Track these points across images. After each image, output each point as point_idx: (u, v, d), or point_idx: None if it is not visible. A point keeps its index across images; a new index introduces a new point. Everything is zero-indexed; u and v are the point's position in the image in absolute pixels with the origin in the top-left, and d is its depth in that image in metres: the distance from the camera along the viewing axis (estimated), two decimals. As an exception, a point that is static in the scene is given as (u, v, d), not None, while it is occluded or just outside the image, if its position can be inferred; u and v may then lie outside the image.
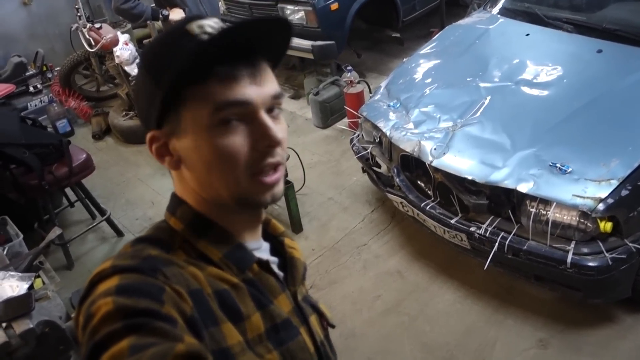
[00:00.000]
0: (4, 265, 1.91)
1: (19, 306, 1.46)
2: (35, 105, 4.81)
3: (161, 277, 0.63)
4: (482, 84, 2.72)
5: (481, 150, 2.36)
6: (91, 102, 5.14)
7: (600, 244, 2.06)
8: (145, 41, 3.98)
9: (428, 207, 2.51)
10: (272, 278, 0.78)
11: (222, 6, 4.19)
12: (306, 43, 4.25)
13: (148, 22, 3.61)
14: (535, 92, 2.58)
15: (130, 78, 4.08)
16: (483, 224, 2.31)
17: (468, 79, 2.80)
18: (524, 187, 2.15)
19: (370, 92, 4.07)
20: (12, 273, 1.75)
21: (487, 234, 2.27)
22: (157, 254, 0.68)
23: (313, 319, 0.83)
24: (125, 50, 3.96)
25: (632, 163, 2.06)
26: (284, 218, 3.19)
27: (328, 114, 4.27)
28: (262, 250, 0.80)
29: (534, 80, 2.64)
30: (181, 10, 3.39)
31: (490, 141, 2.38)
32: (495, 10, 3.36)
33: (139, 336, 0.55)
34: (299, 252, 0.86)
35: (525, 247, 2.18)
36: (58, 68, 5.00)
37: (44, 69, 5.06)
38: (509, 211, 2.26)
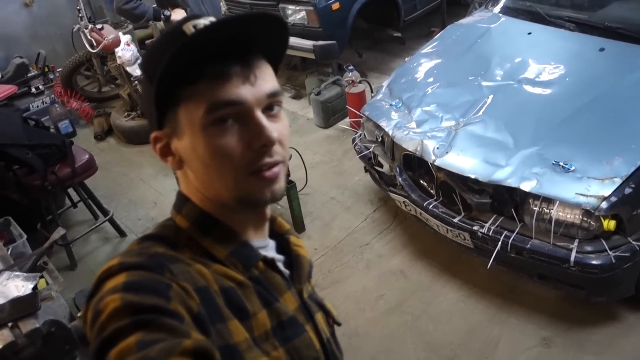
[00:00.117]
0: (8, 266, 1.91)
1: (25, 306, 1.47)
2: (37, 106, 4.83)
3: (168, 274, 0.63)
4: (484, 83, 2.72)
5: (484, 149, 2.36)
6: (93, 102, 5.15)
7: (604, 242, 2.06)
8: (148, 41, 3.98)
9: (431, 206, 2.51)
10: (278, 276, 0.78)
11: (223, 6, 4.19)
12: (307, 43, 4.25)
13: (150, 22, 3.62)
14: (537, 90, 2.58)
15: (132, 79, 4.09)
16: (486, 222, 2.31)
17: (470, 78, 2.80)
18: (527, 186, 2.14)
19: (372, 92, 4.07)
20: (17, 273, 1.75)
21: (490, 233, 2.27)
22: (163, 252, 0.68)
23: (319, 317, 0.83)
24: (127, 51, 3.97)
25: (636, 161, 2.06)
26: (287, 218, 3.19)
27: (330, 114, 4.27)
28: (268, 248, 0.80)
29: (537, 79, 2.64)
30: (183, 11, 3.39)
31: (493, 140, 2.38)
32: (497, 9, 3.36)
33: (147, 332, 0.55)
34: (304, 249, 0.86)
35: (529, 245, 2.17)
36: (60, 69, 5.02)
37: (46, 70, 5.08)
38: (512, 210, 2.26)
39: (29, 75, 4.90)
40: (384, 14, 4.96)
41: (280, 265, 0.80)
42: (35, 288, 1.77)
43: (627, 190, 2.01)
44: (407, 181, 2.67)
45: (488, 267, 2.30)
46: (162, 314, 0.58)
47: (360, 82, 4.07)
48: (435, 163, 2.42)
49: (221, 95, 0.67)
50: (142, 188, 4.00)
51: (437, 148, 2.45)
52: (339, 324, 0.89)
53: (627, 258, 2.03)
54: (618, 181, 2.03)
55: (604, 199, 2.00)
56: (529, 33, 2.99)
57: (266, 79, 0.71)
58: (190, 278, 0.65)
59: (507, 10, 3.29)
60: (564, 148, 2.22)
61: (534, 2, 3.19)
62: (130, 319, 0.56)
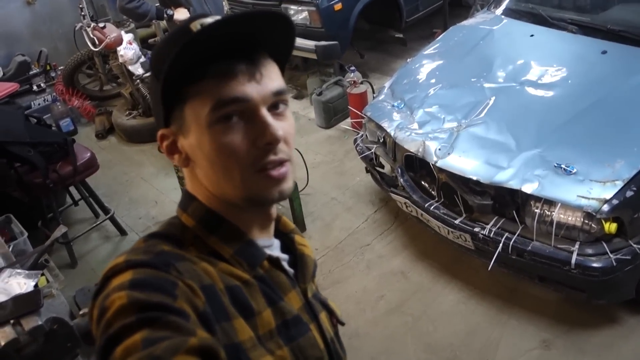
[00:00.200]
0: (10, 263, 1.91)
1: (28, 303, 1.47)
2: (39, 104, 4.82)
3: (174, 272, 0.64)
4: (486, 85, 2.73)
5: (486, 151, 2.36)
6: (94, 101, 5.15)
7: (605, 245, 2.07)
8: (150, 40, 3.99)
9: (432, 207, 2.51)
10: (283, 275, 0.78)
11: (226, 6, 4.20)
12: (309, 43, 4.25)
13: (153, 21, 3.62)
14: (540, 92, 2.58)
15: (134, 77, 4.09)
16: (487, 224, 2.31)
17: (472, 80, 2.80)
18: (528, 188, 2.15)
19: (374, 93, 4.07)
20: (19, 270, 1.75)
21: (492, 235, 2.27)
22: (169, 250, 0.69)
23: (323, 316, 0.83)
24: (129, 50, 3.98)
25: (637, 164, 2.07)
26: (287, 218, 3.19)
27: (331, 114, 4.27)
28: (273, 247, 0.80)
29: (539, 81, 2.64)
30: (186, 10, 3.40)
31: (495, 142, 2.38)
32: (499, 11, 3.36)
33: (152, 330, 0.55)
34: (309, 249, 0.86)
35: (530, 247, 2.18)
36: (62, 67, 5.01)
37: (48, 68, 5.08)
38: (514, 212, 2.26)
39: (31, 73, 4.90)
40: (386, 15, 4.96)
41: (285, 265, 0.80)
42: (36, 286, 1.77)
43: (629, 193, 2.02)
44: (408, 182, 2.68)
45: (489, 268, 2.31)
46: (168, 311, 0.58)
47: (362, 82, 4.08)
48: (437, 164, 2.43)
49: (227, 92, 0.67)
50: (143, 187, 4.00)
51: (439, 149, 2.45)
52: (342, 324, 0.89)
53: (628, 261, 2.04)
54: (620, 184, 2.03)
55: (606, 201, 2.01)
56: (532, 35, 2.99)
57: (272, 77, 0.71)
58: (196, 276, 0.65)
59: (509, 12, 3.29)
60: (566, 150, 2.22)
61: (536, 4, 3.20)
62: (137, 316, 0.57)
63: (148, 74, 4.01)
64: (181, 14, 3.39)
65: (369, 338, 2.51)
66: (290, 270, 0.80)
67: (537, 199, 2.16)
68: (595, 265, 2.04)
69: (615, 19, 2.82)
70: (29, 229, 2.63)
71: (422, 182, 2.68)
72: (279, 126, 0.70)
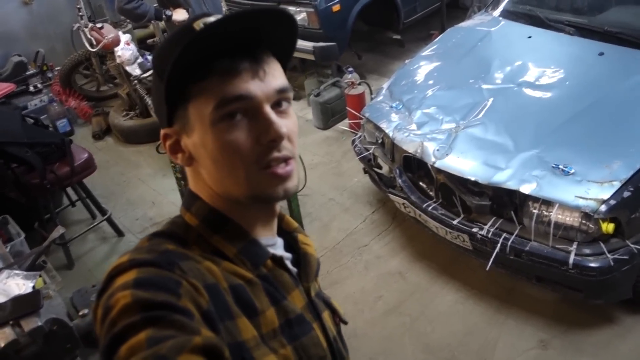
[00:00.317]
0: (8, 264, 1.90)
1: (27, 304, 1.46)
2: (36, 105, 4.80)
3: (178, 271, 0.63)
4: (484, 86, 2.74)
5: (484, 152, 2.37)
6: (91, 101, 5.13)
7: (602, 245, 2.08)
8: (149, 41, 3.98)
9: (430, 207, 2.51)
10: (286, 274, 0.78)
11: (224, 7, 4.19)
12: (307, 44, 4.26)
13: (152, 22, 3.62)
14: (537, 94, 2.59)
15: (131, 78, 4.08)
16: (485, 225, 2.32)
17: (470, 81, 2.81)
18: (526, 188, 2.15)
19: (372, 94, 4.08)
20: (17, 272, 1.75)
21: (490, 235, 2.28)
22: (173, 249, 0.69)
23: (326, 315, 0.83)
24: (126, 50, 3.96)
25: (635, 165, 2.08)
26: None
27: (329, 115, 4.28)
28: (276, 246, 0.80)
29: (537, 83, 2.65)
30: (184, 11, 3.39)
31: (493, 142, 2.39)
32: (497, 12, 3.38)
33: (157, 329, 0.55)
34: (312, 248, 0.86)
35: (528, 248, 2.18)
36: (58, 68, 5.00)
37: (45, 68, 5.05)
38: (512, 212, 2.27)
39: (28, 73, 4.87)
40: (384, 16, 4.97)
41: (288, 264, 0.80)
42: (34, 287, 1.76)
43: (626, 194, 2.03)
44: (406, 183, 2.68)
45: (487, 269, 2.31)
46: (172, 310, 0.58)
47: (359, 83, 4.08)
48: (435, 165, 2.43)
49: (231, 90, 0.67)
50: (140, 188, 3.99)
51: (437, 150, 2.46)
52: (345, 323, 0.90)
53: (626, 261, 2.05)
54: (617, 184, 2.04)
55: (603, 202, 2.02)
56: (529, 37, 3.01)
57: (275, 75, 0.71)
58: (199, 275, 0.65)
59: (507, 14, 3.31)
60: (564, 151, 2.23)
61: (534, 6, 3.21)
62: (141, 315, 0.56)
63: (145, 75, 4.01)
64: (180, 15, 3.39)
65: (367, 338, 2.51)
66: (294, 269, 0.80)
67: (535, 199, 2.17)
68: (592, 265, 2.05)
69: (612, 21, 2.84)
70: (25, 230, 2.61)
71: (420, 183, 2.69)
72: (283, 123, 0.70)
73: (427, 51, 3.29)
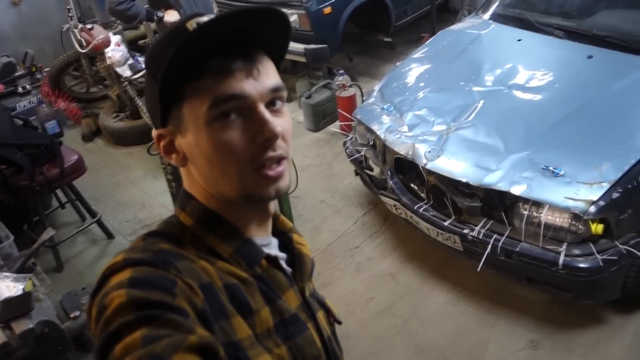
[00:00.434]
0: (-3, 266, 1.88)
1: (18, 306, 1.45)
2: (24, 106, 4.75)
3: (173, 270, 0.63)
4: (475, 88, 2.75)
5: (475, 153, 2.38)
6: (81, 103, 5.09)
7: (592, 245, 2.10)
8: (140, 42, 3.96)
9: (422, 209, 2.52)
10: (281, 274, 0.78)
11: (215, 8, 4.18)
12: (299, 46, 4.26)
13: (143, 23, 3.60)
14: (527, 96, 2.62)
15: (121, 79, 4.06)
16: (476, 226, 2.33)
17: (461, 83, 2.83)
18: (517, 190, 2.17)
19: (363, 96, 4.09)
20: (7, 274, 1.73)
21: (481, 236, 2.29)
22: (168, 248, 0.68)
23: (320, 315, 0.83)
24: (116, 52, 3.94)
25: (623, 166, 2.10)
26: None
27: (320, 117, 4.28)
28: (271, 246, 0.80)
29: (526, 85, 2.68)
30: (176, 12, 3.38)
31: (484, 144, 2.41)
32: (487, 16, 3.40)
33: (152, 328, 0.55)
34: (307, 248, 0.86)
35: (518, 249, 2.20)
36: (47, 69, 4.95)
37: (33, 69, 5.01)
38: (502, 213, 2.28)
39: (16, 74, 4.83)
40: (374, 19, 4.99)
41: (283, 263, 0.80)
42: (23, 289, 1.74)
43: (615, 195, 2.05)
44: (398, 184, 2.69)
45: (478, 270, 2.32)
46: (167, 309, 0.58)
47: (350, 86, 4.09)
48: (427, 167, 2.44)
49: (225, 89, 0.67)
50: (130, 190, 3.97)
51: (429, 152, 2.47)
52: (339, 323, 0.90)
53: (614, 261, 2.07)
54: (606, 186, 2.06)
55: (593, 203, 2.04)
56: (519, 40, 3.03)
57: (269, 74, 0.72)
58: (194, 274, 0.65)
59: (497, 17, 3.34)
60: (554, 153, 2.25)
61: (523, 10, 3.24)
62: (136, 314, 0.56)
63: (136, 76, 3.98)
64: (171, 16, 3.37)
65: (359, 340, 2.51)
66: (288, 269, 0.80)
67: (526, 200, 2.19)
68: (582, 265, 2.07)
69: (600, 25, 2.87)
70: (14, 232, 2.60)
71: (412, 185, 2.70)
72: (277, 122, 0.70)
73: (418, 53, 3.31)
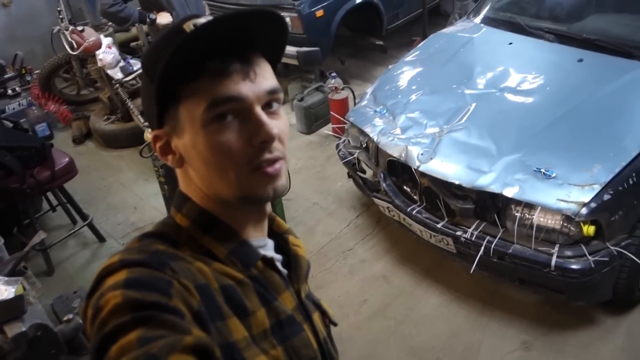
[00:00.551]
0: (-13, 270, 1.86)
1: (11, 309, 1.43)
2: (14, 109, 4.71)
3: (169, 271, 0.63)
4: (467, 91, 2.77)
5: (467, 156, 2.39)
6: (71, 105, 5.05)
7: (583, 247, 2.12)
8: (132, 44, 3.94)
9: (414, 211, 2.53)
10: (276, 275, 0.78)
11: (207, 10, 4.19)
12: (291, 49, 4.27)
13: (136, 25, 3.59)
14: (519, 99, 2.64)
15: (113, 82, 4.04)
16: (469, 228, 2.34)
17: (453, 86, 2.84)
18: (509, 192, 2.18)
19: (355, 99, 4.10)
20: (-2, 277, 1.71)
21: (473, 238, 2.30)
22: (164, 249, 0.68)
23: (316, 316, 0.83)
24: (108, 54, 3.92)
25: (614, 168, 2.12)
26: (270, 223, 3.18)
27: (312, 120, 4.29)
28: (267, 247, 0.80)
29: (518, 88, 2.70)
30: (168, 14, 3.37)
31: (476, 147, 2.42)
32: (478, 19, 3.43)
33: (148, 328, 0.55)
34: (303, 249, 0.86)
35: (511, 250, 2.21)
36: (38, 71, 4.91)
37: (23, 71, 4.97)
38: (495, 215, 2.30)
39: (6, 76, 4.79)
40: (366, 22, 5.01)
41: (279, 265, 0.80)
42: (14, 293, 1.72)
43: (606, 197, 2.07)
44: (391, 187, 2.70)
45: (471, 271, 2.33)
46: (163, 310, 0.57)
47: (343, 88, 4.10)
48: (420, 169, 2.45)
49: (222, 91, 0.67)
50: (121, 193, 3.94)
51: (422, 154, 2.48)
52: (335, 324, 0.90)
53: (606, 263, 2.09)
54: (597, 188, 2.08)
55: (584, 204, 2.05)
56: (510, 43, 3.06)
57: (266, 76, 0.72)
58: (190, 276, 0.65)
59: (488, 21, 3.36)
60: (546, 155, 2.27)
61: (514, 14, 3.27)
62: (132, 315, 0.56)
63: (127, 79, 3.97)
64: (164, 18, 3.36)
65: (352, 342, 2.51)
66: (284, 271, 0.80)
67: (518, 202, 2.20)
68: (574, 267, 2.08)
69: (590, 29, 2.90)
70: (4, 236, 2.57)
71: (405, 187, 2.71)
72: (274, 124, 0.70)
73: (410, 57, 3.32)
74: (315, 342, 0.79)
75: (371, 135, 2.76)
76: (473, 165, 2.35)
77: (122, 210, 3.73)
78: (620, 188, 2.10)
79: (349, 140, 3.11)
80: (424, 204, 2.56)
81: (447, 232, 2.39)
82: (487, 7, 3.45)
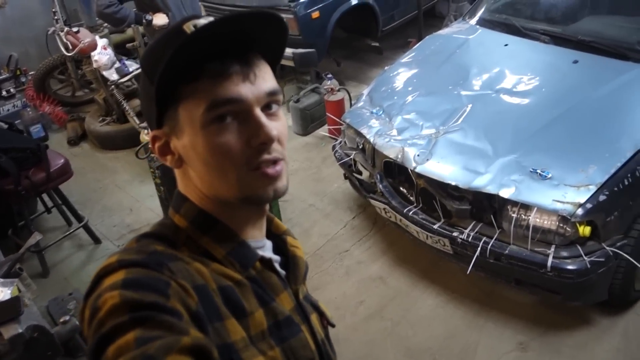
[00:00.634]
0: (-19, 271, 1.85)
1: (7, 311, 1.42)
2: (8, 110, 4.69)
3: (167, 271, 0.63)
4: (463, 92, 2.78)
5: (464, 157, 2.40)
6: (66, 107, 5.04)
7: (579, 247, 2.12)
8: (128, 45, 3.93)
9: (411, 212, 2.53)
10: (275, 276, 0.78)
11: (203, 12, 4.18)
12: (287, 51, 4.25)
13: (132, 26, 3.58)
14: (515, 100, 2.65)
15: (108, 83, 4.03)
16: (465, 229, 2.34)
17: (449, 87, 2.85)
18: (505, 193, 2.19)
19: (351, 100, 4.10)
20: (-7, 278, 1.70)
21: (470, 239, 2.30)
22: (162, 250, 0.68)
23: (314, 318, 0.83)
24: (103, 55, 3.91)
25: (609, 169, 2.13)
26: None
27: (308, 122, 4.29)
28: (265, 248, 0.80)
29: (514, 89, 2.71)
30: (164, 15, 3.36)
31: (473, 148, 2.43)
32: (474, 21, 3.44)
33: (145, 329, 0.55)
34: (301, 251, 0.86)
35: (507, 251, 2.22)
36: (32, 72, 4.90)
37: (18, 73, 4.94)
38: (491, 216, 2.30)
39: (0, 77, 4.77)
40: (362, 24, 5.02)
41: (277, 266, 0.80)
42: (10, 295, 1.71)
43: (602, 198, 2.08)
44: (387, 188, 2.70)
45: (467, 272, 2.33)
46: (161, 311, 0.57)
47: (339, 90, 4.10)
48: (416, 170, 2.46)
49: (221, 93, 0.67)
50: (117, 194, 3.93)
51: (418, 155, 2.48)
52: (333, 326, 0.89)
53: (602, 263, 2.10)
54: (593, 188, 2.09)
55: (580, 205, 2.06)
56: (506, 45, 3.07)
57: (265, 78, 0.72)
58: (188, 276, 0.65)
59: (483, 22, 3.37)
60: (541, 156, 2.28)
61: (510, 15, 3.28)
62: (129, 315, 0.56)
63: (123, 80, 3.96)
64: (160, 19, 3.35)
65: (349, 343, 2.51)
66: (282, 272, 0.80)
67: (514, 203, 2.20)
68: (570, 267, 2.09)
69: (585, 30, 2.92)
70: (-1, 237, 2.56)
71: (401, 188, 2.71)
72: (273, 126, 0.70)
73: (406, 58, 3.33)
74: (313, 343, 0.79)
75: (367, 136, 2.76)
76: (469, 166, 2.35)
77: (118, 211, 3.72)
78: (615, 189, 2.11)
79: (345, 142, 3.11)
80: (421, 205, 2.56)
81: (444, 233, 2.40)
82: (483, 9, 3.47)
